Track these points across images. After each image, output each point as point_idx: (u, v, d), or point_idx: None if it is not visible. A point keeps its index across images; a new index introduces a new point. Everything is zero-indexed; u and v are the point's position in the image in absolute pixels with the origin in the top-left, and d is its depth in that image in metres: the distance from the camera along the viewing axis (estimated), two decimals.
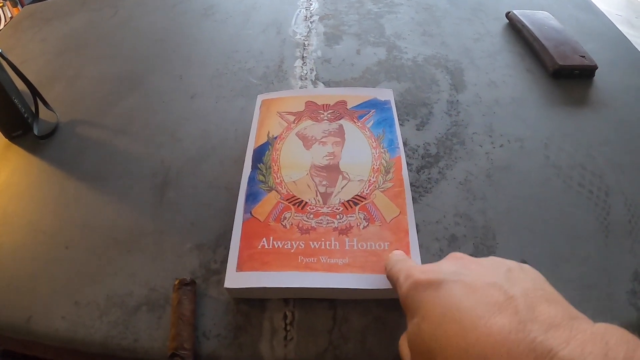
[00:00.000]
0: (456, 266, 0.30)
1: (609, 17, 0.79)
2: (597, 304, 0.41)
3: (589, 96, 0.62)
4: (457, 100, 0.62)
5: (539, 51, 0.67)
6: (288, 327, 0.40)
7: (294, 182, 0.49)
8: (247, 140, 0.54)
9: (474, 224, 0.47)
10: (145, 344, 0.40)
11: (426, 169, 0.53)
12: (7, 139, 0.62)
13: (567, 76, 0.64)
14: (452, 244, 0.45)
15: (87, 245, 0.48)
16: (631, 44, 0.72)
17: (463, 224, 0.47)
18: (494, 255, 0.43)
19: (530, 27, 0.70)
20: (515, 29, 0.74)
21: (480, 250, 0.45)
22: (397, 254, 0.38)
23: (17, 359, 0.49)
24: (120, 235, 0.49)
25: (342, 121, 0.55)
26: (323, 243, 0.43)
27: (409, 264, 0.35)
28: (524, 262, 0.43)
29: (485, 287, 0.26)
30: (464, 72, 0.67)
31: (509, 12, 0.76)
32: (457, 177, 0.52)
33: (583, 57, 0.64)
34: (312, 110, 0.57)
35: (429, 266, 0.32)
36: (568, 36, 0.67)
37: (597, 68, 0.63)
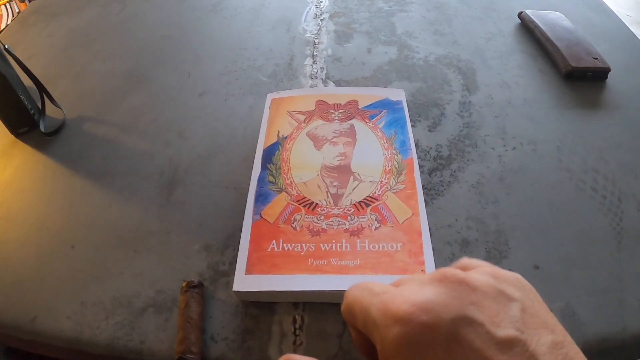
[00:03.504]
0: (458, 300, 0.18)
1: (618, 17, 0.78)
2: (609, 310, 0.40)
3: (602, 98, 0.61)
4: (469, 101, 0.61)
5: (551, 52, 0.66)
6: (297, 332, 0.40)
7: (304, 183, 0.48)
8: (257, 139, 0.54)
9: (486, 228, 0.46)
10: (152, 346, 0.39)
11: (438, 171, 0.52)
12: (13, 136, 0.61)
13: (579, 78, 0.63)
14: (464, 248, 0.45)
15: (93, 244, 0.47)
16: None
17: (475, 228, 0.46)
18: (507, 260, 0.43)
19: (542, 27, 0.69)
20: (528, 29, 0.73)
21: (492, 255, 0.44)
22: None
23: (20, 357, 0.49)
24: (126, 235, 0.48)
25: (353, 121, 0.54)
26: (334, 245, 0.42)
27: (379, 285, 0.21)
28: (536, 267, 0.43)
29: None
30: (476, 73, 0.66)
31: (521, 12, 0.75)
32: (469, 180, 0.51)
33: (596, 59, 0.63)
34: (323, 109, 0.56)
35: (414, 294, 0.19)
36: (580, 37, 0.66)
37: (610, 70, 0.62)
